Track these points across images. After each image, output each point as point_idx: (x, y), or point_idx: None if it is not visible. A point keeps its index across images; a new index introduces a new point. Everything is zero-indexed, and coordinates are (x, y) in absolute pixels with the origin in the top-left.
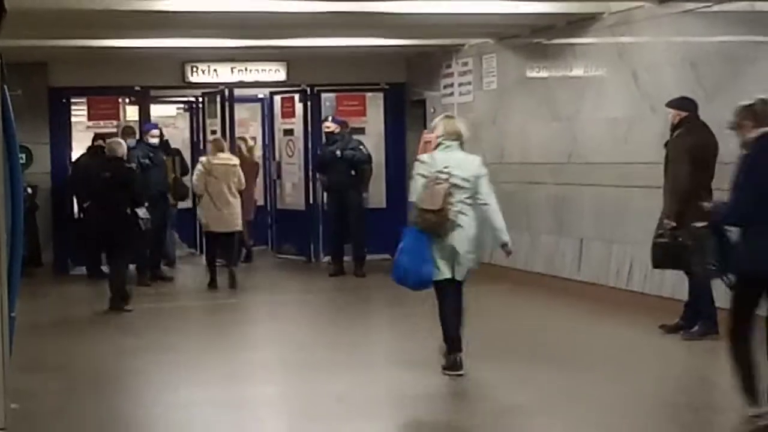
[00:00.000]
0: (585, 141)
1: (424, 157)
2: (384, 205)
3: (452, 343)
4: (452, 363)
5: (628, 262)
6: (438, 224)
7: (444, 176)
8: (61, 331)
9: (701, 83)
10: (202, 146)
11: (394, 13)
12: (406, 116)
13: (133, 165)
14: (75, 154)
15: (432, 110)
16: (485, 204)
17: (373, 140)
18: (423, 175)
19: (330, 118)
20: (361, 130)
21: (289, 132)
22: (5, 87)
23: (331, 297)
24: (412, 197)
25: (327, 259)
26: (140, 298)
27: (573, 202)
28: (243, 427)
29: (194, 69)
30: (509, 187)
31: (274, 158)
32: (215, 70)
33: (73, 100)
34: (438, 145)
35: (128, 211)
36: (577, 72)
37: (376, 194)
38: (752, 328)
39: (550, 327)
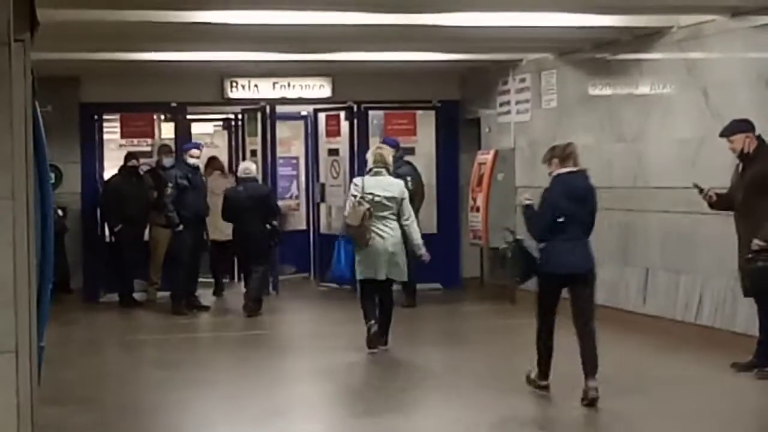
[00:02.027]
0: (651, 163)
1: (357, 180)
2: (435, 231)
3: (369, 328)
4: (368, 341)
5: (698, 294)
6: (358, 236)
7: (369, 197)
8: (90, 361)
9: None
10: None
11: (447, 26)
12: (459, 136)
13: (170, 185)
14: (107, 174)
15: (487, 129)
16: (406, 220)
17: (423, 161)
18: (354, 196)
19: (383, 141)
20: (410, 151)
21: (334, 152)
22: (36, 103)
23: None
24: (345, 213)
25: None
26: (174, 327)
27: (638, 229)
28: None
29: (234, 84)
30: None
31: (317, 179)
32: (256, 85)
33: (105, 117)
34: (369, 170)
35: (267, 225)
36: (643, 89)
37: (427, 218)
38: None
39: (612, 362)
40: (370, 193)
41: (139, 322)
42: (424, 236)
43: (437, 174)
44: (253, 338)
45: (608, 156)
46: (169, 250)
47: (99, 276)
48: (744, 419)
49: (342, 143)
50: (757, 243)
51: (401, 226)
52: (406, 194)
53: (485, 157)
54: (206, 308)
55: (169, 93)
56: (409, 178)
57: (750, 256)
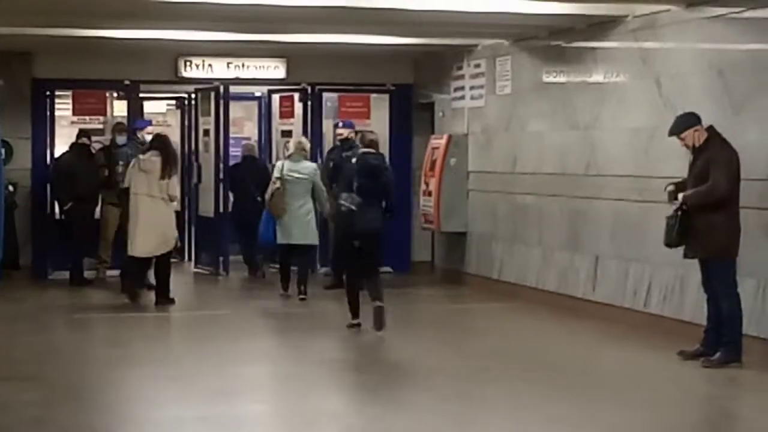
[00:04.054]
0: (603, 152)
1: (278, 163)
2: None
3: (285, 282)
4: (282, 292)
5: (647, 283)
6: (273, 208)
7: (288, 177)
8: (38, 339)
9: (729, 93)
10: (193, 146)
11: (402, 9)
12: (413, 120)
13: (121, 164)
14: (58, 151)
15: (441, 114)
16: (318, 195)
17: None
18: (276, 177)
19: (341, 124)
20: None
21: (287, 133)
22: None
23: (329, 310)
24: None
25: (324, 270)
26: (123, 306)
27: (589, 217)
28: None
29: (188, 63)
30: (522, 198)
31: (270, 161)
32: (210, 65)
33: (57, 93)
34: (290, 156)
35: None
36: (597, 78)
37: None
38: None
39: (560, 349)
40: (289, 174)
41: (89, 300)
42: None
43: (390, 157)
44: (205, 318)
45: (561, 143)
46: (119, 228)
47: (48, 253)
48: (689, 407)
49: (296, 125)
50: (679, 198)
51: (314, 200)
52: (318, 174)
53: (438, 141)
54: (155, 287)
55: (123, 70)
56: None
57: (671, 212)
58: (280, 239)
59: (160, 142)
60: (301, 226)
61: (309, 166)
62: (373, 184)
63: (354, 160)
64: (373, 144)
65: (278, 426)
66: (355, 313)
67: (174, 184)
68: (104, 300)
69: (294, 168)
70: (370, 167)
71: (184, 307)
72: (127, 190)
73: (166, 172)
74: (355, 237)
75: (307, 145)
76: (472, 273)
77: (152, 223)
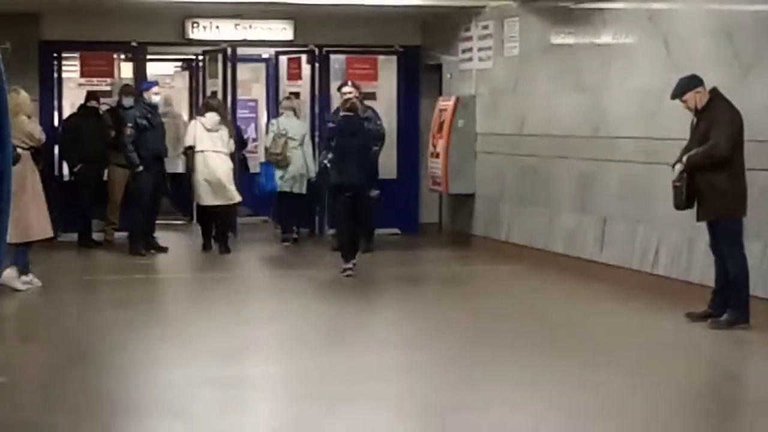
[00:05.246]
0: (611, 114)
1: (273, 121)
2: (395, 176)
3: (284, 230)
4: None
5: (654, 245)
6: (281, 160)
7: (283, 133)
8: (46, 300)
9: (737, 55)
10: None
11: None
12: (420, 82)
13: (129, 126)
14: (66, 113)
15: (449, 76)
16: (306, 149)
17: (384, 106)
18: (274, 132)
19: (349, 83)
20: (371, 96)
21: (295, 95)
22: None
23: (334, 276)
24: (266, 144)
25: (332, 232)
26: (131, 268)
27: (597, 179)
28: (242, 408)
29: (195, 25)
30: (529, 160)
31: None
32: (217, 26)
33: (65, 55)
34: (280, 114)
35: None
36: (605, 39)
37: (387, 164)
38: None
39: (566, 311)
40: (284, 130)
41: (97, 262)
42: (384, 181)
43: (398, 119)
44: (219, 281)
45: (568, 105)
46: (127, 190)
47: (57, 215)
48: (696, 369)
49: (303, 87)
50: (680, 165)
51: (303, 153)
52: (307, 131)
53: (446, 103)
54: (164, 249)
55: (130, 32)
56: (380, 122)
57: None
58: (285, 187)
59: (216, 104)
60: (297, 176)
61: (300, 125)
62: (349, 143)
63: (332, 123)
64: (353, 107)
65: (287, 384)
66: (346, 259)
67: (232, 141)
68: (112, 261)
69: (287, 124)
70: (347, 127)
71: (195, 268)
72: (191, 147)
73: (230, 130)
74: (335, 189)
75: (296, 103)
76: (480, 235)
77: (218, 176)
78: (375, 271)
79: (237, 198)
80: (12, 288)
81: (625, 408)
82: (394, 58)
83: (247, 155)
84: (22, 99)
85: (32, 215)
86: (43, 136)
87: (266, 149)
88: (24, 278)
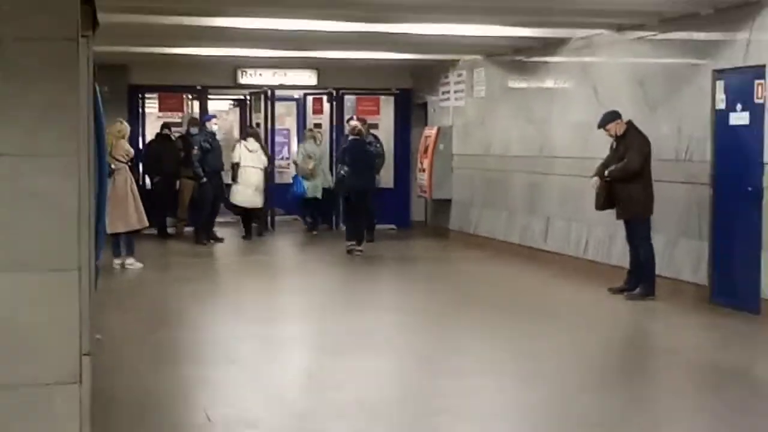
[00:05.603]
0: (553, 139)
1: (300, 146)
2: (392, 186)
3: (311, 225)
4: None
5: (585, 237)
6: (311, 174)
7: (310, 155)
8: (135, 277)
9: (646, 97)
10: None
11: (403, 33)
12: (411, 116)
13: (196, 148)
14: (147, 139)
15: (432, 111)
16: (322, 167)
17: (384, 134)
18: (303, 154)
19: (354, 117)
20: (374, 126)
21: (317, 125)
22: (96, 84)
23: (345, 260)
24: (298, 162)
25: (343, 227)
26: (197, 253)
27: (542, 188)
28: (278, 357)
29: (244, 73)
30: (493, 174)
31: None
32: (260, 74)
33: (147, 96)
34: (305, 141)
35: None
36: (549, 84)
37: (386, 177)
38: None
39: (519, 286)
40: (311, 153)
41: (171, 249)
42: (384, 190)
43: (395, 144)
44: (261, 262)
45: (522, 133)
46: (192, 196)
47: None
48: (616, 326)
49: (324, 119)
50: (605, 174)
51: (323, 170)
52: (325, 153)
53: (430, 132)
54: (221, 239)
55: (196, 78)
56: (380, 145)
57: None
58: (311, 194)
59: (255, 132)
60: (318, 186)
61: (319, 148)
62: (358, 159)
63: (345, 144)
64: (360, 133)
65: (311, 339)
66: (351, 240)
67: (266, 159)
68: (183, 249)
69: (311, 148)
70: (355, 147)
71: (241, 253)
72: (237, 163)
73: (266, 151)
74: (349, 192)
75: (319, 136)
76: (455, 229)
77: (253, 185)
78: (377, 254)
79: (259, 204)
80: (125, 267)
81: (562, 352)
82: (392, 97)
83: (281, 170)
84: (125, 127)
85: (132, 211)
86: (132, 152)
87: (296, 165)
88: (128, 261)
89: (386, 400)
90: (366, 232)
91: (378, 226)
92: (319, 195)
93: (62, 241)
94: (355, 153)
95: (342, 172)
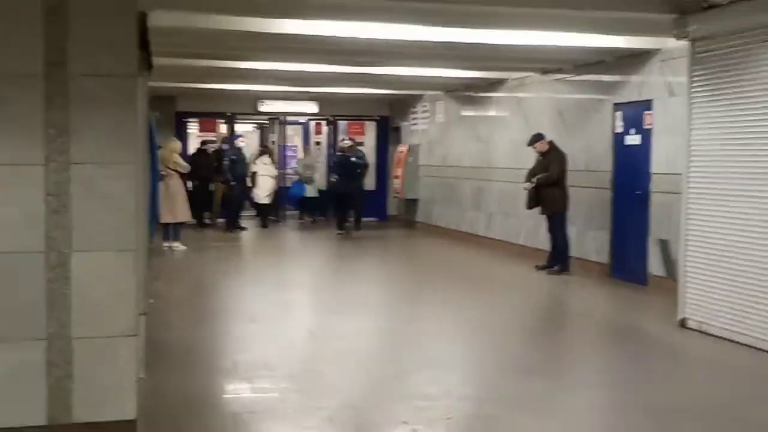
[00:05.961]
0: (495, 154)
1: (299, 159)
2: (374, 188)
3: (311, 218)
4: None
5: (518, 228)
6: (308, 180)
7: (310, 165)
8: (179, 257)
9: (565, 125)
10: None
11: (383, 74)
12: (389, 136)
13: (226, 159)
14: (189, 152)
15: (404, 133)
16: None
17: (368, 150)
18: (304, 164)
19: (346, 137)
20: (361, 144)
21: (317, 143)
22: (151, 111)
23: (338, 243)
24: (300, 171)
25: (333, 218)
26: (226, 239)
27: (486, 191)
28: (290, 317)
29: (262, 103)
30: (449, 180)
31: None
32: (275, 104)
33: (189, 120)
34: (305, 155)
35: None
36: (492, 113)
37: (370, 182)
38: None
39: (468, 265)
40: (310, 163)
41: (207, 235)
42: (368, 192)
43: (376, 157)
44: (274, 245)
45: (471, 150)
46: (223, 195)
47: None
48: (540, 295)
49: (322, 138)
50: (532, 182)
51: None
52: (321, 163)
53: (402, 148)
54: (245, 228)
55: (226, 107)
56: (364, 157)
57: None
58: (309, 194)
59: (269, 149)
60: (316, 188)
61: (316, 161)
62: (345, 170)
63: (335, 158)
64: (347, 149)
65: (314, 304)
66: (340, 228)
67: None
68: (216, 235)
69: (309, 160)
70: (342, 162)
71: (260, 239)
72: (255, 172)
73: (275, 162)
74: (339, 195)
75: (315, 153)
76: (421, 221)
77: (266, 187)
78: (361, 238)
79: (269, 202)
80: (172, 249)
81: (501, 311)
82: (374, 122)
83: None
84: (178, 145)
85: (179, 207)
86: (187, 167)
87: (298, 173)
88: (175, 244)
89: (371, 348)
90: (354, 223)
91: (363, 219)
92: (314, 195)
93: (123, 228)
94: (341, 165)
95: (332, 179)
